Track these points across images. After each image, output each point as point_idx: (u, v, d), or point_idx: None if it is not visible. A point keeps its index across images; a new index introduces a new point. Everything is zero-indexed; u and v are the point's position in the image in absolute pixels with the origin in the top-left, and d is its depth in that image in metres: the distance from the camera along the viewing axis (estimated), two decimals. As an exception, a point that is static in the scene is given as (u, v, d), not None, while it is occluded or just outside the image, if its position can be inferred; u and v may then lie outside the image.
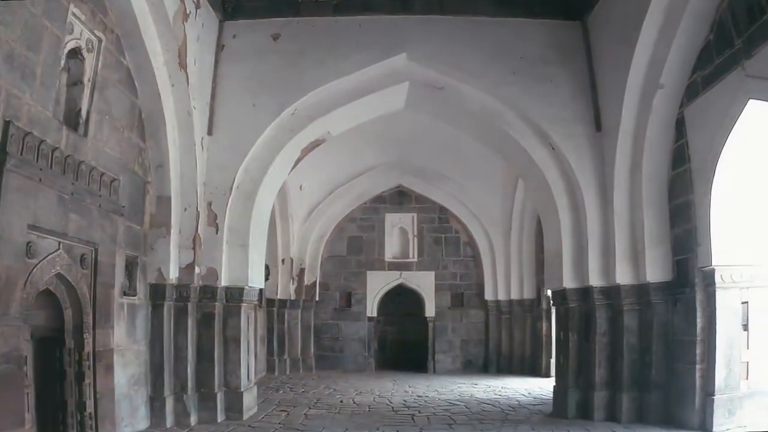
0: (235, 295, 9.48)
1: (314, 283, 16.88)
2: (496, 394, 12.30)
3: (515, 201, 16.03)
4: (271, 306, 15.98)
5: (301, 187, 16.15)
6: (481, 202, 16.48)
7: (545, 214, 10.64)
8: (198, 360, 9.13)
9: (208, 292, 9.26)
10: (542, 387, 13.15)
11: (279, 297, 16.08)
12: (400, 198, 17.42)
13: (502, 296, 16.60)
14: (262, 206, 10.02)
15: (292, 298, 16.40)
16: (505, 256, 16.51)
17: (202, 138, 9.31)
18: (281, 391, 12.70)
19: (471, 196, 16.45)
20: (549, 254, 10.69)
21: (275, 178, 10.24)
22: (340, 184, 16.34)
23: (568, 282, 9.79)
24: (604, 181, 9.49)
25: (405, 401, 11.30)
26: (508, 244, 16.43)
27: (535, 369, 15.53)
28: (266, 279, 14.98)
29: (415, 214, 17.33)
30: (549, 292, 14.17)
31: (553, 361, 14.51)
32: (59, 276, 6.28)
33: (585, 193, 9.55)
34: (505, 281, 16.58)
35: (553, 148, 9.74)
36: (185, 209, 9.13)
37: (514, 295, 16.43)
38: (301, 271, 16.66)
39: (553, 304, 10.82)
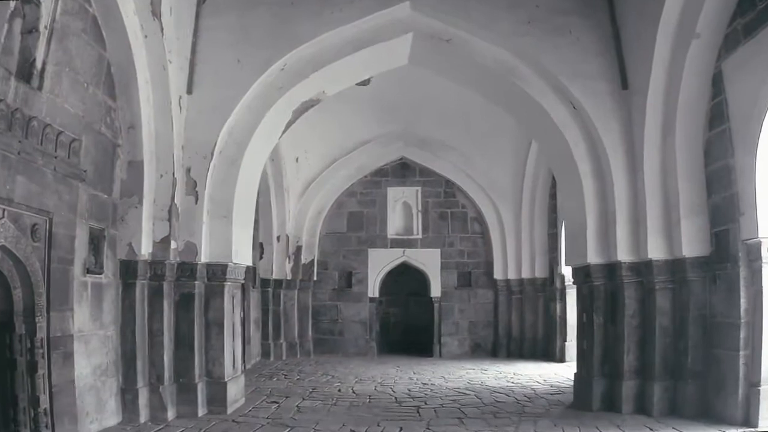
0: (217, 273, 8.46)
1: (312, 262, 15.88)
2: (508, 382, 11.32)
3: (526, 173, 15.06)
4: (265, 287, 15.10)
5: (297, 160, 15.24)
6: (490, 175, 15.51)
7: (565, 181, 9.58)
8: (176, 347, 8.16)
9: (187, 269, 8.26)
10: (558, 373, 12.21)
11: (274, 277, 15.19)
12: (403, 171, 16.37)
13: (512, 275, 15.62)
14: (249, 174, 8.96)
15: (289, 278, 15.45)
16: (515, 232, 15.55)
17: (180, 97, 8.29)
18: (275, 379, 11.73)
19: (479, 168, 15.49)
20: (570, 227, 9.66)
21: (263, 142, 9.17)
22: (339, 156, 15.41)
23: (593, 257, 8.74)
24: (633, 143, 8.48)
25: (409, 390, 10.31)
26: (518, 219, 15.46)
27: (548, 353, 14.61)
28: (260, 258, 14.26)
29: (419, 188, 16.29)
30: (563, 271, 13.62)
31: (568, 344, 13.76)
32: (4, 249, 5.38)
33: (611, 158, 8.53)
34: (515, 259, 15.60)
35: (574, 107, 8.69)
36: (161, 176, 8.12)
37: (526, 274, 15.48)
38: (298, 249, 15.68)
39: (574, 283, 9.75)
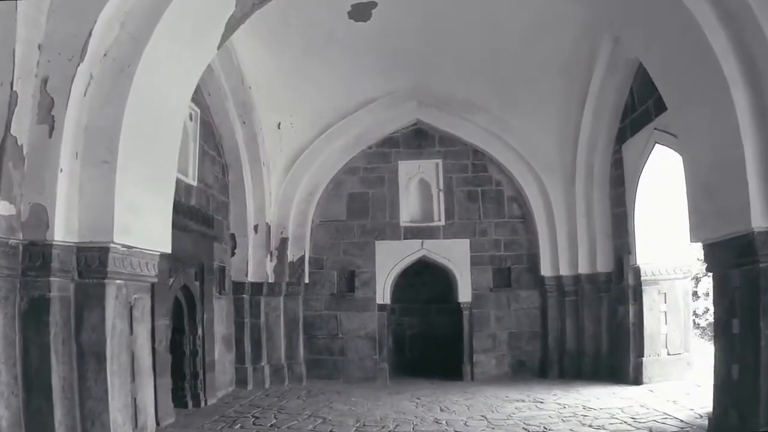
0: (92, 262, 4.77)
1: (302, 260, 12.30)
2: (584, 425, 7.52)
3: (581, 136, 11.52)
4: (239, 292, 11.56)
5: (279, 126, 11.73)
6: (532, 141, 12.12)
7: (687, 93, 5.80)
8: (26, 393, 4.49)
9: (36, 255, 4.56)
10: (644, 404, 8.62)
11: (251, 280, 11.67)
12: (419, 139, 12.83)
13: (565, 270, 12.09)
14: (153, 90, 5.27)
15: (271, 281, 11.93)
16: (567, 214, 12.08)
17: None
18: (237, 426, 8.02)
19: (516, 132, 12.11)
20: (698, 174, 5.87)
21: (186, 42, 5.47)
22: (334, 121, 12.08)
23: (759, 219, 4.92)
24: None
25: (438, 448, 6.49)
26: (571, 196, 11.98)
27: (616, 372, 11.05)
28: (232, 254, 10.74)
29: (439, 161, 12.74)
30: (638, 261, 10.49)
31: (646, 361, 10.47)
32: None
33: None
34: (569, 250, 12.09)
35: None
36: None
37: (583, 269, 11.89)
38: (283, 242, 12.12)
39: (707, 270, 6.05)
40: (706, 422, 6.52)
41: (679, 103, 6.27)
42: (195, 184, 9.81)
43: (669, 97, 6.47)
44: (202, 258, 9.85)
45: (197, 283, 9.68)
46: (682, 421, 7.39)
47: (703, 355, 11.45)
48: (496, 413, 8.51)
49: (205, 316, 9.79)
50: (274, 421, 8.34)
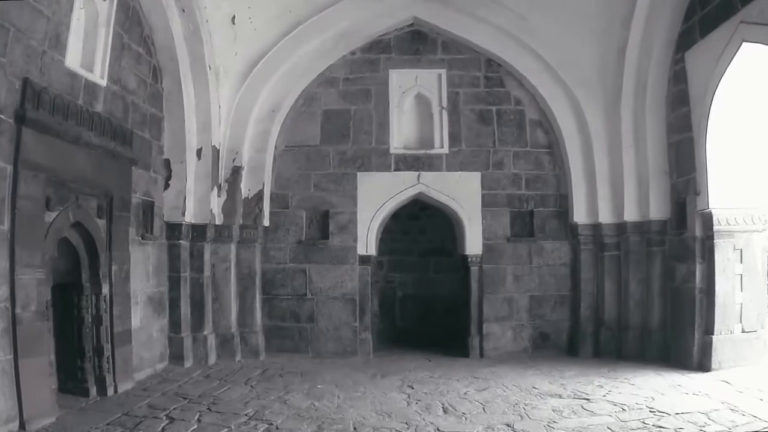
0: None
1: (260, 196, 9.52)
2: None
3: (630, 38, 8.82)
4: (174, 237, 8.84)
5: (233, 20, 8.98)
6: (563, 46, 9.41)
7: None
8: None
9: None
10: (735, 406, 6.13)
11: (191, 221, 8.95)
12: (416, 43, 10.08)
13: (605, 217, 9.52)
14: None
15: (218, 222, 9.25)
16: (609, 143, 9.45)
17: None
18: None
19: (543, 36, 9.47)
20: None
21: None
22: (305, 17, 9.34)
23: None
24: None
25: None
26: (615, 119, 9.29)
27: (672, 353, 8.58)
28: (166, 186, 8.87)
29: (442, 71, 10.01)
30: (711, 204, 8.14)
31: (716, 339, 7.88)
32: None
33: None
34: (611, 190, 9.46)
35: None
36: None
37: (630, 215, 9.22)
38: (235, 172, 9.40)
39: None
40: None
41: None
42: (104, 83, 7.12)
43: None
44: (111, 186, 7.14)
45: (102, 222, 7.03)
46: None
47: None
48: (527, 420, 5.80)
49: (114, 268, 7.14)
50: (195, 427, 5.61)
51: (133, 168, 7.67)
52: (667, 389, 6.94)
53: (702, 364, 7.87)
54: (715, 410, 5.91)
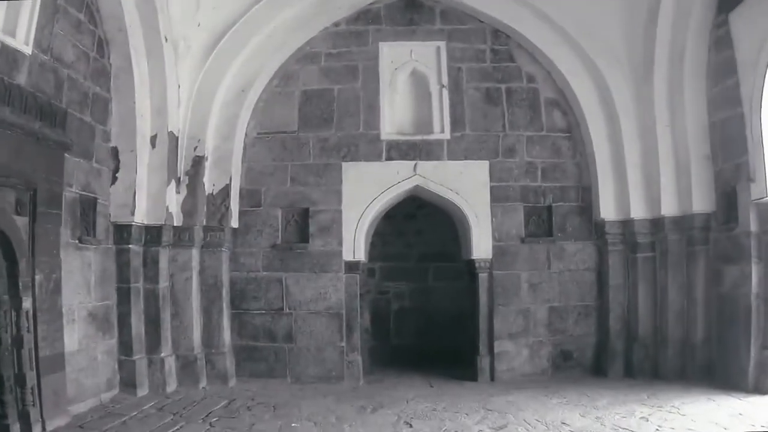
0: None
1: (227, 192, 8.35)
2: None
3: (662, 5, 7.78)
4: (123, 241, 7.55)
5: None
6: (584, 13, 8.33)
7: None
8: None
9: None
10: None
11: (143, 221, 7.69)
12: (410, 12, 9.00)
13: (637, 212, 8.45)
14: None
15: (177, 223, 8.02)
16: (640, 125, 8.35)
17: None
18: None
19: (560, 1, 8.38)
20: None
21: None
22: None
23: None
24: None
25: None
26: (647, 97, 8.22)
27: (720, 372, 7.59)
28: (113, 180, 7.62)
29: (442, 44, 8.95)
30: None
31: None
32: None
33: None
34: (643, 179, 8.37)
35: None
36: None
37: (668, 209, 8.13)
38: (197, 163, 8.18)
39: None
40: None
41: None
42: (29, 51, 5.86)
43: None
44: (34, 177, 5.80)
45: (23, 220, 5.74)
46: None
47: None
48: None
49: (39, 278, 5.84)
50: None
51: (66, 155, 6.33)
52: (729, 421, 5.68)
53: (760, 385, 6.75)
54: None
